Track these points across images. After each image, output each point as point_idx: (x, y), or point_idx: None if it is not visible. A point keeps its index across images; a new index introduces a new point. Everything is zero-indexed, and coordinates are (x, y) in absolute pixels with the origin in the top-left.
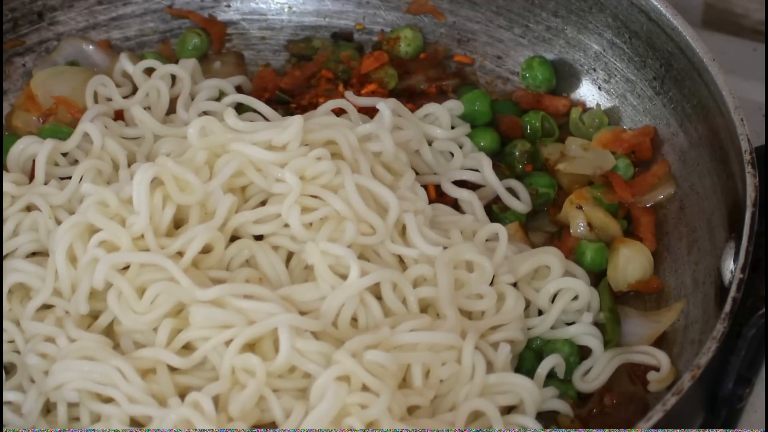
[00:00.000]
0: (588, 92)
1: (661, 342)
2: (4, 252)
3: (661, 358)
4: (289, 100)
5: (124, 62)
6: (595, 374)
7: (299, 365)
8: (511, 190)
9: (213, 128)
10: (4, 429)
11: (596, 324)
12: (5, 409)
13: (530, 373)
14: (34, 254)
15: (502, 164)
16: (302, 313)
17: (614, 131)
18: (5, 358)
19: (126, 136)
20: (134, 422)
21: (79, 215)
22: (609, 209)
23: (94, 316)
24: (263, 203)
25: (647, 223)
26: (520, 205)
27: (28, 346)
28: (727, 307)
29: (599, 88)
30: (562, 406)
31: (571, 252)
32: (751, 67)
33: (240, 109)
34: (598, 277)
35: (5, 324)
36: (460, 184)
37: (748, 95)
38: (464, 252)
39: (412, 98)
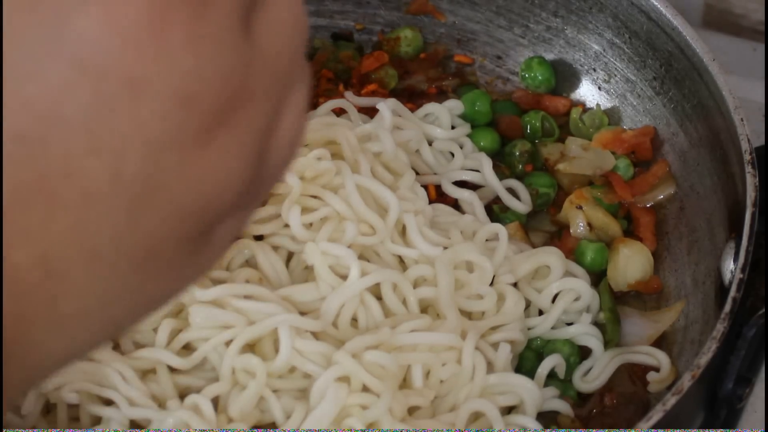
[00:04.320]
0: (588, 92)
1: (661, 342)
2: None
3: (661, 358)
4: None
5: None
6: (595, 374)
7: (299, 366)
8: (511, 190)
9: None
10: (4, 429)
11: (596, 324)
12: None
13: (530, 374)
14: None
15: (502, 164)
16: (302, 314)
17: (614, 131)
18: None
19: None
20: (134, 424)
21: None
22: (609, 209)
23: None
24: (263, 203)
25: (647, 223)
26: (521, 205)
27: None
28: (727, 307)
29: (599, 88)
30: (563, 406)
31: (571, 252)
32: (751, 67)
33: None
34: (598, 277)
35: None
36: (461, 184)
37: (748, 95)
38: (464, 252)
39: (412, 98)
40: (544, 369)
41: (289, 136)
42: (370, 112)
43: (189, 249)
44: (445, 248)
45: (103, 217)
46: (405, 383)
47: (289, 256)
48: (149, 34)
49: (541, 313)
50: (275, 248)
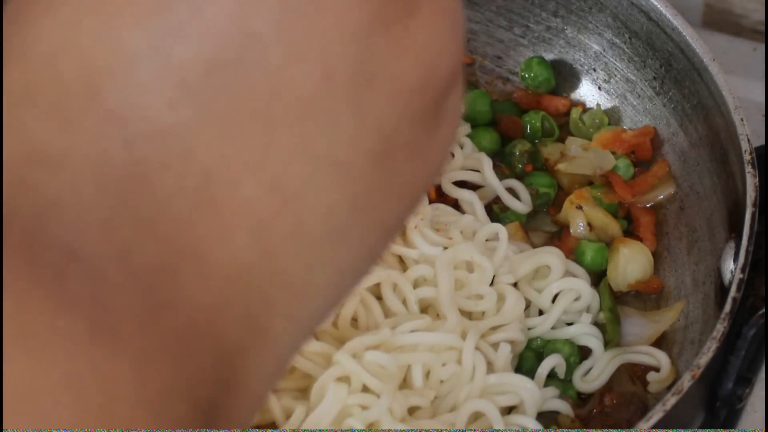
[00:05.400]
0: (588, 92)
1: (661, 342)
2: None
3: (661, 358)
4: None
5: None
6: (595, 374)
7: (299, 365)
8: (511, 190)
9: None
10: (4, 429)
11: (596, 324)
12: None
13: (530, 373)
14: None
15: (502, 164)
16: None
17: (614, 131)
18: None
19: None
20: None
21: None
22: (609, 209)
23: None
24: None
25: (647, 223)
26: (521, 205)
27: None
28: (727, 307)
29: (599, 88)
30: (563, 406)
31: (571, 252)
32: (751, 67)
33: None
34: (598, 277)
35: None
36: (461, 184)
37: (748, 95)
38: (464, 252)
39: None
40: (544, 369)
41: None
42: None
43: (424, 127)
44: (445, 248)
45: (328, 123)
46: (405, 383)
47: None
48: None
49: (541, 313)
50: None
